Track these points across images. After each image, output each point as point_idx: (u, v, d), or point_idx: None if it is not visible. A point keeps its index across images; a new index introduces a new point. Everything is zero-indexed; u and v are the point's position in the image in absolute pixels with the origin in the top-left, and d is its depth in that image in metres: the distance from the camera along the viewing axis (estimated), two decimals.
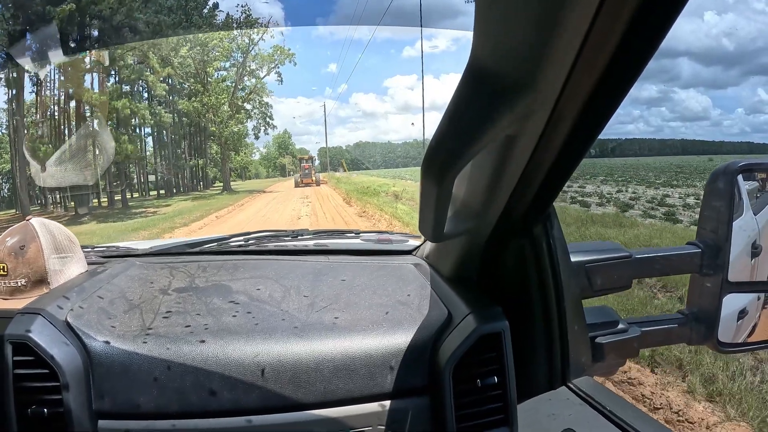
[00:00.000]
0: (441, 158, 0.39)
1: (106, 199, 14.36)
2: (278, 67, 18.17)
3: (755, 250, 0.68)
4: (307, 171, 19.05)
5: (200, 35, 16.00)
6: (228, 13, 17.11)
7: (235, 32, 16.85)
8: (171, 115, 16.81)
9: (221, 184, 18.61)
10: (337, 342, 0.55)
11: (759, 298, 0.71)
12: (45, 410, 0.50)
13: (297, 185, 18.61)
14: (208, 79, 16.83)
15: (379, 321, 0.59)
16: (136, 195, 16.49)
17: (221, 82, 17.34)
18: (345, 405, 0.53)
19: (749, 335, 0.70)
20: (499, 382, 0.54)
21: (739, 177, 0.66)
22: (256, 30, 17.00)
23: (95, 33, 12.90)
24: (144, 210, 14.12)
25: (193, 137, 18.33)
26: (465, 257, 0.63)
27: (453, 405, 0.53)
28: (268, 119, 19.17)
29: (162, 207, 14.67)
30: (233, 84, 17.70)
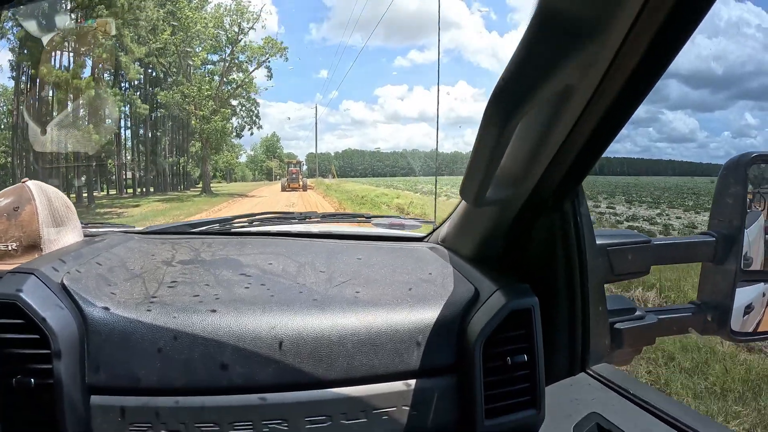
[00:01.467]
0: (507, 101, 0.40)
1: (74, 195, 13.90)
2: (269, 61, 18.20)
3: (747, 262, 0.74)
4: (294, 176, 19.49)
5: (183, 20, 15.74)
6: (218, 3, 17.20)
7: (225, 20, 16.79)
8: (147, 106, 16.54)
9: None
10: (360, 316, 0.54)
11: (764, 295, 0.77)
12: (32, 380, 0.47)
13: (284, 189, 19.05)
14: (192, 70, 16.70)
15: (402, 297, 0.59)
16: (113, 192, 16.06)
17: (208, 75, 17.27)
18: (368, 383, 0.52)
19: (755, 330, 0.76)
20: (528, 362, 0.54)
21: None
22: (246, 18, 16.95)
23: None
24: (110, 210, 13.69)
25: (175, 133, 18.08)
26: (489, 235, 0.65)
27: (483, 384, 0.52)
28: (254, 118, 19.14)
29: (130, 208, 14.25)
30: (220, 77, 17.61)
